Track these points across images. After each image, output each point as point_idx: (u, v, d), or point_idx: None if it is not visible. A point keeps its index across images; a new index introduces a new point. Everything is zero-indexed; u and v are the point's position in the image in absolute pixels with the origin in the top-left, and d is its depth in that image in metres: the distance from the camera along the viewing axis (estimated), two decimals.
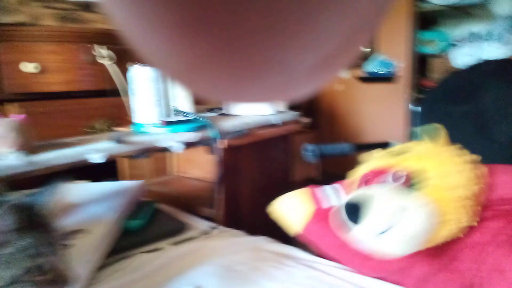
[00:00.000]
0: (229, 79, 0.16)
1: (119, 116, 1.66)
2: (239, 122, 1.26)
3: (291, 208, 0.90)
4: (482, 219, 0.65)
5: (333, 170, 0.85)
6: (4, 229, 0.48)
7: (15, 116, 0.82)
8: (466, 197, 0.62)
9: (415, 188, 0.65)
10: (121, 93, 1.54)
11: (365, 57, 2.74)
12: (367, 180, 0.73)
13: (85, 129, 1.55)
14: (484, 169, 0.68)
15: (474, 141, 1.31)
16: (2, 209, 0.48)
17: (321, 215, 0.85)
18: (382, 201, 0.61)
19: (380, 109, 2.60)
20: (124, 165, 1.48)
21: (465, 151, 0.69)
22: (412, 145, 0.73)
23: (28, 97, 1.48)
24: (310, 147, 1.35)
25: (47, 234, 0.51)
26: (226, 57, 0.14)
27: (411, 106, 1.46)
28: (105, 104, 1.76)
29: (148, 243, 0.94)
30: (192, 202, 1.32)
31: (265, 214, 0.97)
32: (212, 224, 1.07)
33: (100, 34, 1.60)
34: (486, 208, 0.66)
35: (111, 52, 1.57)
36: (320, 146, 1.36)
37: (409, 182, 0.66)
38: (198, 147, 1.19)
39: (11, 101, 1.42)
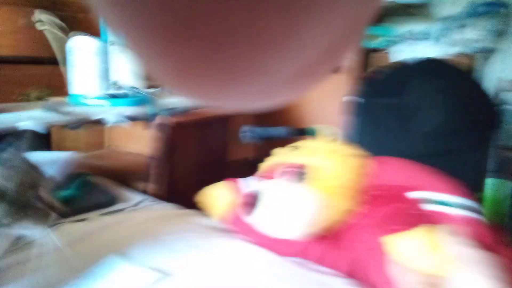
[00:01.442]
0: (212, 84, 0.16)
1: (57, 85, 1.61)
2: (178, 100, 1.29)
3: (212, 199, 0.97)
4: (356, 204, 0.75)
5: (267, 153, 0.92)
6: (18, 165, 0.57)
7: None
8: (337, 186, 0.73)
9: (303, 180, 0.74)
10: (60, 62, 1.50)
11: None
12: (265, 175, 0.83)
13: (19, 97, 1.50)
14: (357, 161, 0.78)
15: (398, 132, 1.43)
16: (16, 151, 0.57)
17: (236, 205, 0.92)
18: (271, 194, 0.71)
19: (320, 98, 2.71)
20: (59, 137, 1.46)
21: (349, 146, 0.79)
22: (302, 143, 0.83)
23: None
24: (247, 128, 1.41)
25: (37, 171, 0.62)
26: (209, 62, 0.14)
27: (347, 98, 1.56)
28: (42, 72, 1.70)
29: (78, 214, 0.95)
30: (127, 176, 1.33)
31: (198, 190, 1.02)
32: (143, 197, 1.10)
33: None
34: (359, 195, 0.76)
35: (52, 18, 1.52)
36: (256, 128, 1.43)
37: (299, 175, 0.75)
38: (136, 122, 1.20)
39: None
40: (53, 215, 0.63)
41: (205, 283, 0.74)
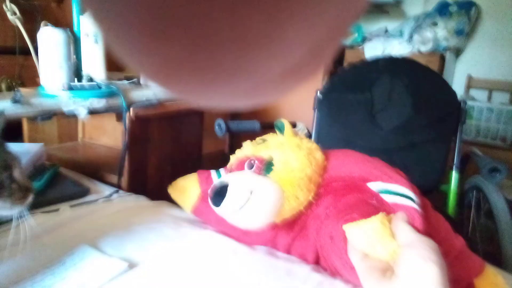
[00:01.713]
0: (195, 82, 0.16)
1: (28, 76, 1.59)
2: (151, 93, 1.30)
3: (183, 191, 0.99)
4: (318, 195, 0.79)
5: (240, 145, 0.94)
6: None
7: None
8: (300, 178, 0.77)
9: (264, 173, 0.78)
10: (32, 52, 1.48)
11: None
12: (232, 169, 0.86)
13: None
14: (319, 154, 0.82)
15: (365, 127, 1.48)
16: None
17: (205, 198, 0.95)
18: (236, 185, 0.75)
19: (294, 93, 2.75)
20: (29, 128, 1.44)
21: (305, 140, 0.83)
22: (270, 137, 0.87)
23: None
24: (220, 122, 1.43)
25: (7, 151, 0.63)
26: (191, 61, 0.14)
27: (319, 92, 1.60)
28: (13, 62, 1.67)
29: (47, 205, 0.96)
30: (98, 169, 1.33)
31: (170, 183, 1.04)
32: (114, 189, 1.11)
33: None
34: (320, 186, 0.80)
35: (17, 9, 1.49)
36: (230, 122, 1.45)
37: (261, 168, 0.78)
38: (105, 114, 1.20)
39: None
40: (30, 196, 0.64)
41: (173, 272, 0.76)
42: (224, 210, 0.75)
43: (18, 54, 1.61)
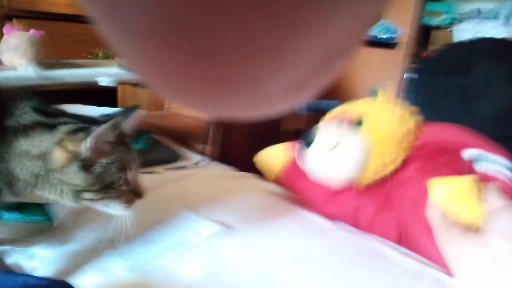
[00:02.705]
0: (205, 93, 0.16)
1: None
2: None
3: (270, 159, 1.01)
4: (406, 162, 0.77)
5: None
6: (110, 140, 0.55)
7: (32, 32, 0.87)
8: (388, 140, 0.75)
9: (353, 127, 0.80)
10: None
11: None
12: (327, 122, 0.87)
13: (88, 55, 1.57)
14: (413, 120, 0.79)
15: (456, 114, 1.39)
16: (111, 123, 0.53)
17: (293, 164, 0.95)
18: (325, 131, 0.80)
19: (375, 74, 2.65)
20: (123, 94, 1.53)
21: (399, 105, 0.81)
22: (369, 99, 0.85)
23: (33, 16, 1.49)
24: None
25: (128, 151, 0.60)
26: (201, 73, 0.14)
27: (406, 74, 1.52)
28: None
29: (147, 166, 1.02)
30: (184, 137, 1.39)
31: (251, 156, 1.06)
32: (203, 157, 1.15)
33: None
34: (411, 151, 0.77)
35: None
36: (312, 100, 1.44)
37: (352, 122, 0.80)
38: None
39: (17, 17, 1.43)
40: (136, 201, 0.62)
41: (263, 240, 0.78)
42: (313, 151, 0.78)
43: None
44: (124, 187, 0.59)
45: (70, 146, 0.53)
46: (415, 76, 1.48)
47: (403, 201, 0.74)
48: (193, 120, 1.57)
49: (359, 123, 0.79)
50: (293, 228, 0.83)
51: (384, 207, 0.79)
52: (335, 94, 2.69)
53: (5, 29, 0.86)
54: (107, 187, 0.56)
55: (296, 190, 0.96)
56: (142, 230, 0.76)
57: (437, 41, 2.75)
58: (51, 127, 0.53)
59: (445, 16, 2.80)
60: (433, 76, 1.46)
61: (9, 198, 0.56)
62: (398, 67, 2.59)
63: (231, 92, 0.16)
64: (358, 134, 0.77)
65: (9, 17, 1.41)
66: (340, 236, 0.82)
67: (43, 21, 1.53)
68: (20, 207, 0.73)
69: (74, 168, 0.53)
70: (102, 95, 1.16)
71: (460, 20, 2.79)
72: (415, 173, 0.73)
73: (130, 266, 0.67)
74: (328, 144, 0.76)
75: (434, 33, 2.76)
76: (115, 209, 0.60)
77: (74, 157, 0.52)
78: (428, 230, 0.63)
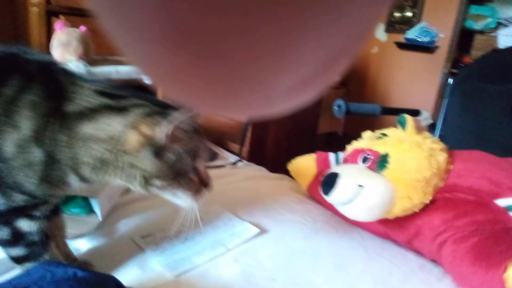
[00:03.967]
0: (208, 93, 0.16)
1: None
2: None
3: (301, 169, 1.00)
4: (438, 200, 0.74)
5: (355, 129, 0.91)
6: (186, 127, 0.52)
7: (82, 28, 0.89)
8: (416, 179, 0.71)
9: (377, 170, 0.75)
10: None
11: (407, 22, 2.68)
12: (346, 159, 0.83)
13: None
14: (443, 157, 0.75)
15: (504, 121, 1.33)
16: (188, 113, 0.50)
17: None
18: (346, 178, 0.74)
19: (412, 78, 2.59)
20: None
21: (429, 139, 0.77)
22: (390, 131, 0.82)
23: (79, 12, 1.53)
24: (340, 102, 1.40)
25: (201, 140, 0.56)
26: (205, 72, 0.14)
27: (447, 79, 1.47)
28: None
29: None
30: (220, 137, 1.40)
31: (287, 157, 1.05)
32: (238, 158, 1.15)
33: None
34: (440, 191, 0.74)
35: None
36: (348, 103, 1.41)
37: (376, 164, 0.76)
38: None
39: (59, 13, 1.47)
40: (205, 192, 0.59)
41: (300, 245, 0.77)
42: (333, 200, 0.75)
43: None
44: (194, 177, 0.56)
45: (146, 130, 0.50)
46: (457, 81, 1.43)
47: (442, 253, 0.71)
48: (229, 120, 1.58)
49: (384, 162, 0.75)
50: (332, 235, 0.82)
51: (416, 240, 0.76)
52: (370, 97, 2.65)
53: (56, 25, 0.88)
54: (178, 175, 0.53)
55: (323, 204, 0.95)
56: (177, 226, 0.77)
57: (480, 46, 2.65)
58: (120, 110, 0.51)
59: (488, 20, 2.70)
60: (476, 83, 1.40)
61: (78, 184, 0.54)
62: (438, 71, 2.52)
63: (235, 92, 0.16)
64: (383, 179, 0.73)
65: (55, 14, 1.45)
66: (380, 245, 0.80)
67: (89, 18, 1.57)
68: (65, 201, 0.74)
69: (146, 153, 0.50)
70: (146, 92, 1.18)
71: (505, 25, 2.68)
72: (446, 224, 0.70)
73: (170, 263, 0.68)
74: (348, 193, 0.73)
75: (476, 38, 2.66)
76: (183, 199, 0.56)
77: (149, 141, 0.50)
78: None
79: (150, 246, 0.72)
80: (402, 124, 0.82)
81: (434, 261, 0.75)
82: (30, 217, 0.56)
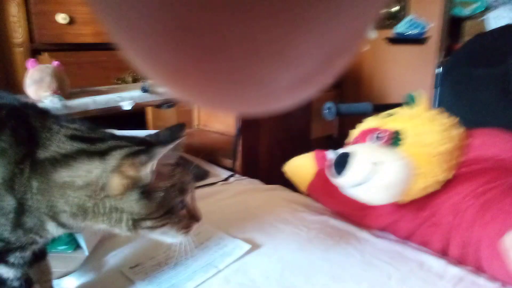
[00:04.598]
0: (207, 90, 0.16)
1: None
2: None
3: (299, 169, 0.97)
4: (459, 176, 0.70)
5: (351, 129, 0.89)
6: (171, 162, 0.52)
7: (55, 63, 0.89)
8: (438, 153, 0.67)
9: (394, 146, 0.70)
10: None
11: (395, 17, 2.67)
12: (356, 140, 0.79)
13: (115, 80, 1.61)
14: (461, 130, 0.72)
15: (499, 105, 1.30)
16: (174, 143, 0.49)
17: (322, 176, 0.91)
18: (360, 155, 0.68)
19: (407, 71, 2.56)
20: (153, 116, 1.56)
21: (445, 114, 0.74)
22: (397, 111, 0.79)
23: (59, 48, 1.53)
24: (330, 105, 1.38)
25: (186, 172, 0.55)
26: (203, 69, 0.14)
27: (439, 69, 1.45)
28: None
29: None
30: (213, 153, 1.39)
31: (281, 166, 1.03)
32: (230, 173, 1.14)
33: None
34: (462, 166, 0.70)
35: None
36: (338, 105, 1.39)
37: (390, 141, 0.71)
38: None
39: (43, 50, 1.48)
40: (194, 226, 0.57)
41: (294, 256, 0.75)
42: (345, 181, 0.70)
43: None
44: (183, 212, 0.55)
45: (130, 171, 0.48)
46: (445, 70, 1.40)
47: (460, 221, 0.68)
48: (221, 136, 1.57)
49: (397, 139, 0.71)
50: (327, 242, 0.79)
51: (429, 222, 0.73)
52: (365, 96, 2.62)
53: (28, 64, 0.88)
54: (168, 213, 0.52)
55: (325, 204, 0.92)
56: (167, 250, 0.75)
57: (471, 32, 2.62)
58: (99, 154, 0.49)
59: (476, 5, 2.67)
60: (465, 68, 1.37)
61: (57, 232, 0.52)
62: (431, 62, 2.48)
63: (235, 89, 0.16)
64: (399, 156, 0.68)
65: (38, 51, 1.46)
66: (378, 247, 0.77)
67: (72, 52, 1.58)
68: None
69: (134, 195, 0.49)
70: (129, 118, 1.17)
71: (494, 7, 2.65)
72: (467, 198, 0.67)
73: None
74: (364, 172, 0.67)
75: (466, 24, 2.63)
76: (173, 236, 0.55)
77: (134, 182, 0.48)
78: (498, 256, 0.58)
79: (139, 276, 0.70)
80: (411, 103, 0.78)
81: (441, 249, 0.72)
82: (7, 263, 0.55)
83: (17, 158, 0.48)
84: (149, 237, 0.54)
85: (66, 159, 0.49)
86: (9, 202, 0.48)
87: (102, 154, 0.49)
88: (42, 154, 0.49)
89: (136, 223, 0.50)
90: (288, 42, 0.13)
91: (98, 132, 0.54)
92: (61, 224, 0.51)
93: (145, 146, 0.51)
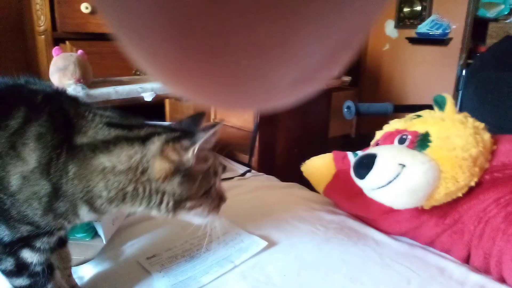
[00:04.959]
0: (210, 87, 0.16)
1: None
2: None
3: (317, 170, 0.95)
4: (482, 183, 0.68)
5: (369, 130, 0.88)
6: (209, 146, 0.55)
7: (79, 52, 0.89)
8: (463, 158, 0.65)
9: (418, 149, 0.69)
10: None
11: (417, 16, 2.62)
12: (382, 141, 0.78)
13: (137, 71, 1.61)
14: (487, 135, 0.70)
15: None
16: (215, 129, 0.53)
17: (340, 178, 0.89)
18: (385, 157, 0.67)
19: (427, 73, 2.51)
20: (172, 108, 1.56)
21: (471, 118, 0.72)
22: (426, 113, 0.77)
23: (81, 37, 1.54)
24: (348, 103, 1.36)
25: (216, 156, 0.60)
26: (206, 66, 0.14)
27: (463, 71, 1.42)
28: None
29: None
30: (229, 148, 1.38)
31: (298, 164, 1.02)
32: (247, 168, 1.13)
33: None
34: (487, 172, 0.68)
35: None
36: (357, 104, 1.37)
37: (414, 144, 0.69)
38: None
39: (65, 39, 1.49)
40: (222, 205, 0.61)
41: (310, 256, 0.74)
42: (369, 183, 0.69)
43: None
44: (214, 192, 0.58)
45: (174, 156, 0.51)
46: (471, 72, 1.37)
47: (484, 229, 0.66)
48: (238, 131, 1.56)
49: (427, 141, 0.70)
50: (345, 243, 0.78)
51: (450, 230, 0.72)
52: (384, 96, 2.59)
53: (53, 52, 0.89)
54: (205, 194, 0.56)
55: (342, 206, 0.91)
56: (184, 243, 0.75)
57: (495, 34, 2.56)
58: (140, 139, 0.51)
59: (502, 7, 2.61)
60: (491, 72, 1.34)
61: (87, 217, 0.54)
62: (453, 64, 2.44)
63: (239, 85, 0.16)
64: (426, 159, 0.67)
65: (62, 40, 1.48)
66: (397, 250, 0.75)
67: (94, 41, 1.59)
68: None
69: (177, 178, 0.51)
70: (148, 110, 1.17)
71: None
72: (493, 205, 0.65)
73: (176, 285, 0.65)
74: (389, 174, 0.66)
75: (490, 26, 2.57)
76: (204, 216, 0.58)
77: (177, 166, 0.51)
78: None
79: (155, 267, 0.70)
80: (440, 104, 0.77)
81: (463, 257, 0.70)
82: (33, 248, 0.55)
83: (54, 143, 0.49)
84: (181, 219, 0.57)
85: (105, 144, 0.50)
86: (44, 186, 0.49)
87: (142, 140, 0.51)
88: (79, 139, 0.50)
89: (177, 204, 0.53)
90: (292, 37, 0.13)
91: (131, 120, 0.55)
92: (94, 209, 0.52)
93: (180, 132, 0.53)
